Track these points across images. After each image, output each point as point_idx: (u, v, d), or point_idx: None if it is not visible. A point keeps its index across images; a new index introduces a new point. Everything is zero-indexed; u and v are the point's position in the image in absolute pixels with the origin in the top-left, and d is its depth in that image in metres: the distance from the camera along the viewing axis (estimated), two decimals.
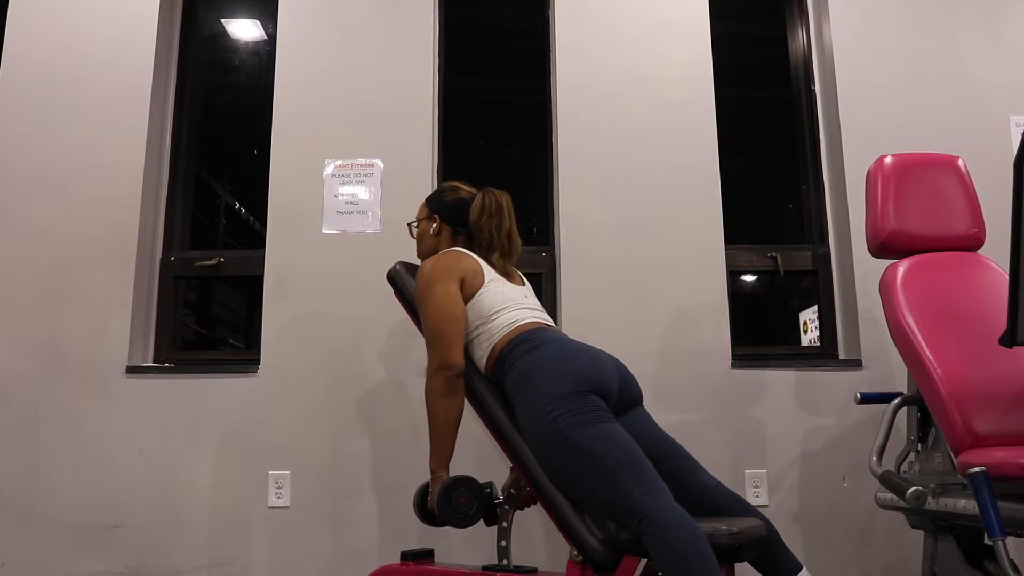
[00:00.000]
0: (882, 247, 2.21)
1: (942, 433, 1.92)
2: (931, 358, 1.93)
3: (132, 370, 2.66)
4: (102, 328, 2.67)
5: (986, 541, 1.68)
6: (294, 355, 2.67)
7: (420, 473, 2.58)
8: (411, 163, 2.82)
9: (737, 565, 1.76)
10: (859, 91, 2.92)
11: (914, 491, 1.79)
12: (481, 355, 1.91)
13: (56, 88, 2.84)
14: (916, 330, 1.98)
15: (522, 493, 2.02)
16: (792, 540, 2.35)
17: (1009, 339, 1.57)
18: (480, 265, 1.96)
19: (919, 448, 2.15)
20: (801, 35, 3.14)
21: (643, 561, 1.77)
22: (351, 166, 2.82)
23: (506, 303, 1.92)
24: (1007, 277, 1.92)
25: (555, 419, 1.69)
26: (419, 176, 2.81)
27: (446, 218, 2.10)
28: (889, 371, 2.71)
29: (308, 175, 2.81)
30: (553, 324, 2.02)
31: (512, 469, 2.07)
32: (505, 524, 2.03)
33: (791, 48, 3.17)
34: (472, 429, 2.45)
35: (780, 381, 2.71)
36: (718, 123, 2.88)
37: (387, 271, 2.13)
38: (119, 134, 2.81)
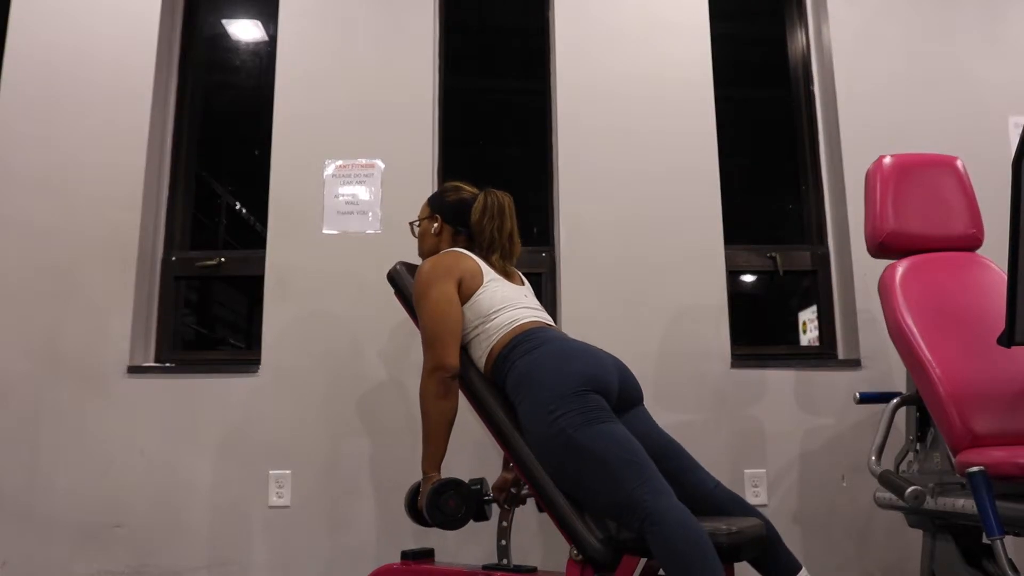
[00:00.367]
0: (881, 247, 2.21)
1: (941, 433, 1.93)
2: (930, 358, 1.93)
3: (133, 370, 2.66)
4: (102, 328, 2.67)
5: (985, 540, 1.68)
6: (294, 355, 2.68)
7: (420, 473, 2.58)
8: (411, 163, 2.83)
9: (737, 565, 1.76)
10: (859, 91, 2.92)
11: (913, 490, 1.79)
12: (480, 355, 1.92)
13: (57, 88, 2.84)
14: (915, 330, 1.99)
15: (520, 492, 2.02)
16: (792, 540, 2.36)
17: (1008, 339, 1.57)
18: (479, 265, 1.97)
19: (918, 448, 2.15)
20: (801, 35, 3.14)
21: (643, 560, 1.77)
22: (351, 166, 2.82)
23: (505, 303, 1.93)
24: (1006, 277, 1.92)
25: (558, 419, 1.69)
26: (419, 176, 2.81)
27: (447, 218, 2.11)
28: (888, 371, 2.71)
29: (308, 175, 2.81)
30: (553, 324, 2.02)
31: (504, 465, 2.08)
32: (505, 524, 2.03)
33: (791, 48, 3.18)
34: (471, 429, 2.46)
35: (780, 381, 2.71)
36: (718, 123, 2.89)
37: (387, 271, 2.13)
38: (119, 134, 2.81)
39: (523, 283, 2.09)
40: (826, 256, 2.92)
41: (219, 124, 3.13)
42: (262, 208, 2.81)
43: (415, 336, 2.58)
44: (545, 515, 1.79)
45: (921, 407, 2.14)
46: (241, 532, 2.57)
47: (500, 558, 2.03)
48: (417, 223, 2.19)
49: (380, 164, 2.83)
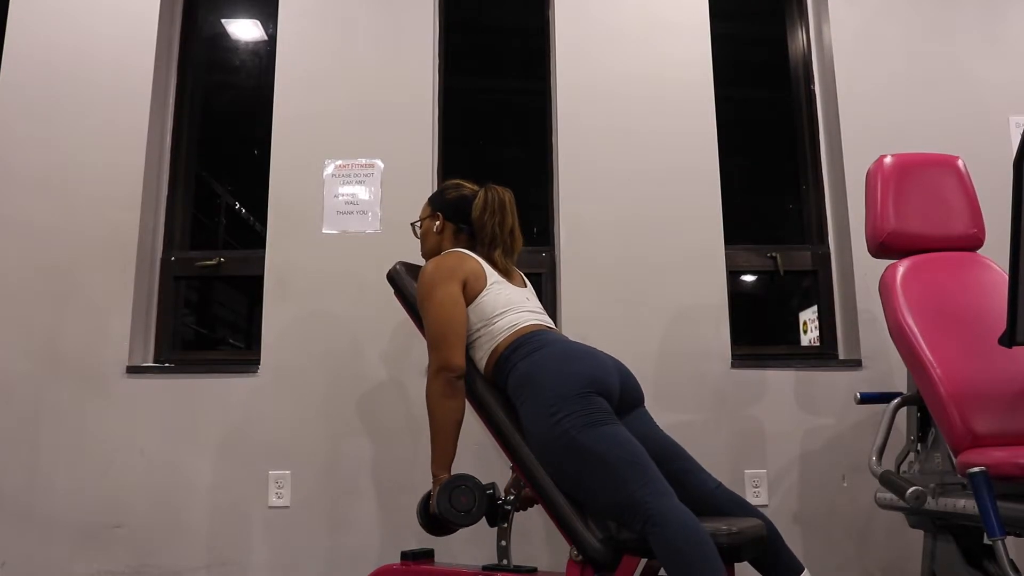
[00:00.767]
0: (882, 247, 2.21)
1: (942, 433, 1.92)
2: (931, 358, 1.93)
3: (132, 370, 2.66)
4: (102, 328, 2.67)
5: (986, 541, 1.67)
6: (294, 355, 2.68)
7: (420, 473, 2.58)
8: (411, 163, 2.82)
9: (738, 565, 1.76)
10: (859, 91, 2.92)
11: (914, 491, 1.79)
12: (482, 356, 1.92)
13: (56, 88, 2.84)
14: (916, 330, 1.98)
15: (522, 493, 2.02)
16: (792, 540, 2.35)
17: (1009, 339, 1.57)
18: (482, 267, 1.96)
19: (919, 448, 2.15)
20: (801, 35, 3.14)
21: (643, 561, 1.77)
22: (351, 166, 2.82)
23: (509, 306, 1.93)
24: (1007, 277, 1.92)
25: (560, 420, 1.69)
26: (419, 176, 2.81)
27: (449, 215, 2.10)
28: (889, 371, 2.71)
29: (308, 175, 2.81)
30: (554, 326, 2.02)
31: (513, 470, 2.07)
32: (505, 524, 2.03)
33: (791, 48, 3.17)
34: (472, 429, 2.45)
35: (780, 381, 2.71)
36: (718, 123, 2.88)
37: (387, 271, 2.13)
38: (119, 134, 2.81)
39: (525, 284, 2.09)
40: (826, 256, 2.92)
41: (219, 124, 3.13)
42: (262, 208, 2.81)
43: (415, 336, 2.58)
44: (546, 515, 1.79)
45: (922, 407, 2.14)
46: (241, 532, 2.57)
47: (500, 558, 2.03)
48: (419, 223, 2.18)
49: (380, 164, 2.82)
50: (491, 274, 1.97)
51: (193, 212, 3.00)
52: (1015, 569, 1.61)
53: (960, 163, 2.27)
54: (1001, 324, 1.65)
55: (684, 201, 2.81)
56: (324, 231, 2.77)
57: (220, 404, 2.65)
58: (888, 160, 2.26)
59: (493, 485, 1.92)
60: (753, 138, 3.15)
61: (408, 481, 2.59)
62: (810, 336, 2.99)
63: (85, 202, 2.76)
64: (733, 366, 2.71)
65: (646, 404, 1.97)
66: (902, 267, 2.13)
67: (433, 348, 1.87)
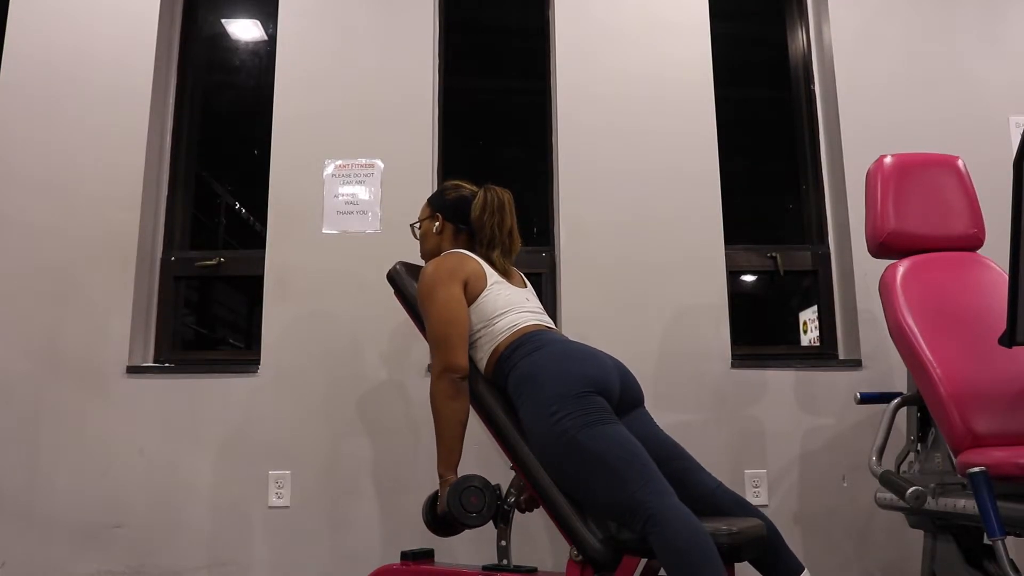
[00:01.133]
0: (882, 247, 2.21)
1: (942, 433, 1.92)
2: (931, 358, 1.93)
3: (132, 370, 2.66)
4: (102, 328, 2.67)
5: (986, 541, 1.68)
6: (294, 355, 2.68)
7: (420, 473, 2.59)
8: (411, 163, 2.82)
9: (738, 565, 1.76)
10: (859, 91, 2.92)
11: (914, 491, 1.79)
12: (482, 357, 1.92)
13: (56, 88, 2.84)
14: (916, 330, 1.98)
15: (522, 494, 2.02)
16: (792, 540, 2.36)
17: (1009, 339, 1.57)
18: (483, 268, 1.97)
19: (919, 448, 2.15)
20: (801, 35, 3.14)
21: (643, 561, 1.77)
22: (351, 166, 2.82)
23: (509, 306, 1.93)
24: (1007, 277, 1.92)
25: (560, 420, 1.69)
26: (419, 176, 2.81)
27: (448, 216, 2.11)
28: (889, 371, 2.71)
29: (308, 175, 2.81)
30: (554, 326, 2.02)
31: (513, 470, 2.07)
32: (505, 524, 2.03)
33: (791, 48, 3.17)
34: (472, 429, 2.44)
35: (780, 381, 2.71)
36: (718, 123, 2.89)
37: (387, 271, 2.13)
38: (119, 134, 2.81)
39: (525, 285, 2.09)
40: (826, 256, 2.92)
41: (219, 124, 3.13)
42: (262, 208, 2.81)
43: (415, 336, 2.58)
44: (546, 515, 1.79)
45: (922, 407, 2.14)
46: (241, 532, 2.57)
47: (500, 559, 2.03)
48: (418, 225, 2.19)
49: (380, 164, 2.82)
50: (491, 274, 1.97)
51: (193, 212, 3.00)
52: (1015, 569, 1.61)
53: (960, 163, 2.27)
54: (1001, 324, 1.65)
55: (684, 201, 2.81)
56: (324, 231, 2.77)
57: (220, 404, 2.65)
58: (888, 160, 2.26)
59: (497, 487, 1.93)
60: (753, 138, 3.15)
61: (408, 481, 2.59)
62: (810, 336, 2.99)
63: (85, 202, 2.76)
64: (733, 366, 2.71)
65: (646, 404, 1.97)
66: (902, 267, 2.13)
67: (436, 349, 1.87)
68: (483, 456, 2.57)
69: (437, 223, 2.11)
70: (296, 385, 2.66)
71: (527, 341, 1.85)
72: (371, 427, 2.64)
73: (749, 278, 3.04)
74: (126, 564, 2.54)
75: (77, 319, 2.68)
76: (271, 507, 2.59)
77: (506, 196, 2.06)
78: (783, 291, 3.11)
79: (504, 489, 1.97)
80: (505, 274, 2.01)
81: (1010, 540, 1.64)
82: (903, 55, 2.96)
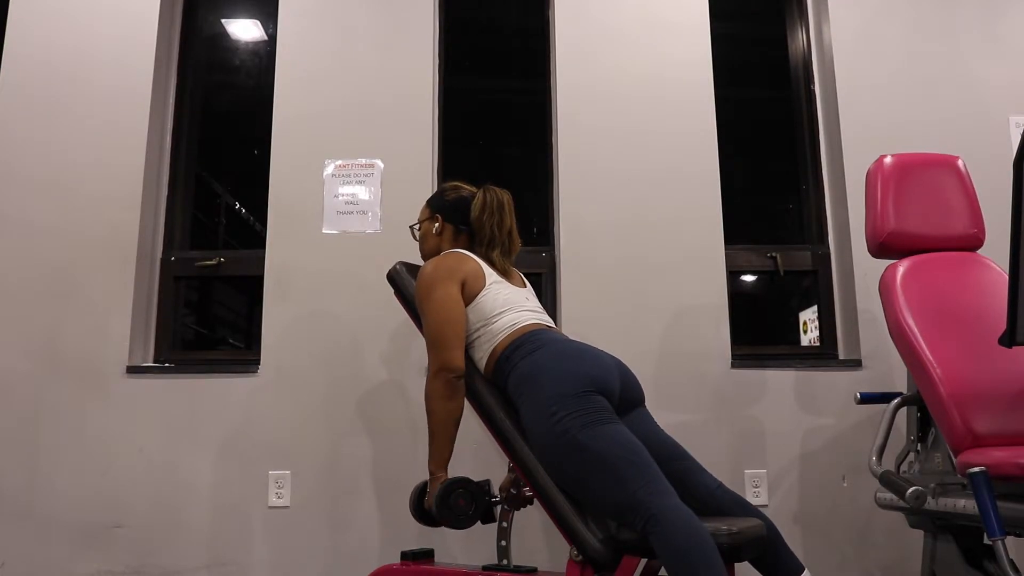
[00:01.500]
0: (882, 247, 2.21)
1: (942, 433, 1.92)
2: (931, 358, 1.93)
3: (132, 370, 2.66)
4: (102, 328, 2.67)
5: (986, 541, 1.68)
6: (294, 355, 2.68)
7: (420, 473, 2.58)
8: (411, 163, 2.82)
9: (738, 565, 1.76)
10: (859, 91, 2.92)
11: (914, 491, 1.79)
12: (482, 356, 1.92)
13: (56, 88, 2.84)
14: (916, 330, 1.98)
15: (521, 493, 2.02)
16: (792, 540, 2.36)
17: (1009, 339, 1.57)
18: (481, 267, 1.97)
19: (919, 448, 2.15)
20: (801, 35, 3.14)
21: (643, 561, 1.77)
22: (351, 166, 2.82)
23: (508, 305, 1.93)
24: (1007, 277, 1.92)
25: (560, 420, 1.69)
26: (419, 176, 2.81)
27: (447, 216, 2.11)
28: (889, 371, 2.71)
29: (308, 175, 2.81)
30: (554, 325, 2.02)
31: (511, 468, 2.07)
32: (505, 524, 2.03)
33: (791, 48, 3.17)
34: (471, 428, 2.46)
35: (780, 381, 2.71)
36: (718, 123, 2.89)
37: (387, 271, 2.13)
38: (119, 134, 2.81)
39: (524, 284, 2.09)
40: (826, 256, 2.92)
41: (219, 124, 3.13)
42: (262, 208, 2.81)
43: (415, 336, 2.58)
44: (545, 515, 1.79)
45: (922, 407, 2.14)
46: (241, 532, 2.57)
47: (500, 559, 2.03)
48: (417, 226, 2.19)
49: (380, 164, 2.82)
50: (490, 274, 1.97)
51: (193, 212, 3.00)
52: (1015, 569, 1.61)
53: (960, 163, 2.27)
54: (1001, 324, 1.65)
55: (684, 201, 2.81)
56: (324, 231, 2.77)
57: (220, 404, 2.65)
58: (888, 160, 2.26)
59: (487, 483, 1.92)
60: (753, 138, 3.15)
61: (408, 481, 2.59)
62: (810, 336, 2.99)
63: (85, 202, 2.76)
64: (733, 366, 2.71)
65: (646, 404, 1.96)
66: (902, 267, 2.13)
67: (432, 348, 1.87)
68: (482, 456, 2.57)
69: (437, 224, 2.11)
70: (296, 385, 2.66)
71: (527, 340, 1.85)
72: (371, 427, 2.64)
73: (749, 278, 3.04)
74: (126, 564, 2.54)
75: (77, 319, 2.68)
76: (271, 507, 2.59)
77: (505, 196, 2.06)
78: (783, 291, 3.11)
79: (494, 485, 1.97)
80: (505, 274, 2.01)
81: (1010, 540, 1.64)
82: (903, 55, 2.96)
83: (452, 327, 1.86)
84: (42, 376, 2.64)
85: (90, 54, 2.87)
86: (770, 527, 1.77)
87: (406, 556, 1.99)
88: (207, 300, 3.09)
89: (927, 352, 1.94)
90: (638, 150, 2.85)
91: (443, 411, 1.84)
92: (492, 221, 2.02)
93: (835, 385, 2.71)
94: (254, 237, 2.98)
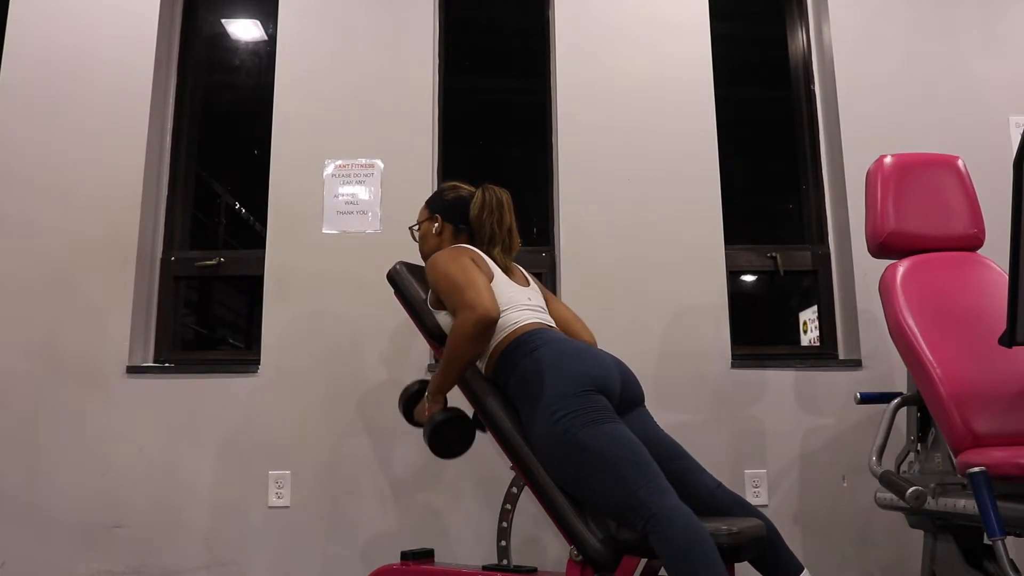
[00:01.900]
0: (882, 247, 2.21)
1: (942, 433, 1.92)
2: (931, 358, 1.93)
3: (132, 370, 2.66)
4: (102, 328, 2.67)
5: (986, 541, 1.68)
6: (294, 355, 2.68)
7: (420, 473, 2.59)
8: (411, 163, 2.82)
9: (738, 565, 1.76)
10: (859, 91, 2.92)
11: (914, 491, 1.79)
12: (482, 355, 1.91)
13: (56, 88, 2.84)
14: (916, 330, 1.98)
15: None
16: (792, 540, 2.36)
17: (1009, 339, 1.57)
18: (486, 261, 1.97)
19: (919, 448, 2.15)
20: (801, 35, 3.14)
21: (643, 561, 1.77)
22: (351, 166, 2.82)
23: (509, 304, 1.92)
24: (1007, 277, 1.92)
25: (561, 419, 1.69)
26: (419, 176, 2.81)
27: (447, 216, 2.11)
28: (889, 371, 2.71)
29: (308, 175, 2.81)
30: (555, 325, 2.02)
31: (512, 469, 2.07)
32: (505, 524, 2.03)
33: (791, 48, 3.17)
34: None
35: (780, 381, 2.71)
36: (718, 123, 2.89)
37: (387, 271, 2.13)
38: (119, 134, 2.81)
39: (528, 283, 2.09)
40: (826, 256, 2.92)
41: (219, 124, 3.13)
42: (262, 208, 2.81)
43: (415, 336, 2.58)
44: (546, 515, 1.79)
45: (922, 407, 2.14)
46: (241, 532, 2.57)
47: (500, 559, 2.03)
48: (417, 227, 2.19)
49: (380, 164, 2.82)
50: (493, 269, 1.97)
51: (193, 212, 3.00)
52: (1015, 569, 1.61)
53: (960, 163, 2.27)
54: (1001, 324, 1.65)
55: (684, 201, 2.81)
56: (324, 231, 2.77)
57: (220, 404, 2.65)
58: (888, 160, 2.26)
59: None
60: (753, 138, 3.15)
61: (408, 481, 2.59)
62: (810, 336, 2.99)
63: (85, 202, 2.76)
64: (733, 366, 2.71)
65: (646, 404, 1.96)
66: (902, 267, 2.13)
67: (463, 292, 1.81)
68: (482, 455, 2.57)
69: (436, 224, 2.12)
70: (296, 385, 2.66)
71: (527, 340, 1.85)
72: (371, 427, 2.64)
73: (749, 278, 3.04)
74: (126, 564, 2.54)
75: (77, 319, 2.68)
76: (271, 507, 2.59)
77: (504, 195, 2.07)
78: (783, 291, 3.11)
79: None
80: (506, 271, 2.01)
81: (1010, 540, 1.64)
82: (903, 55, 2.96)
83: (480, 278, 1.86)
84: (42, 376, 2.64)
85: (90, 54, 2.87)
86: (769, 527, 1.77)
87: (406, 556, 1.99)
88: (207, 300, 3.09)
89: (927, 352, 1.94)
90: (638, 150, 2.85)
91: (465, 352, 1.82)
92: (492, 219, 2.03)
93: (835, 385, 2.71)
94: (254, 237, 2.98)
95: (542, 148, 2.99)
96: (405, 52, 2.91)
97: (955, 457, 1.87)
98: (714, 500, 1.81)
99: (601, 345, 1.93)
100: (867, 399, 2.20)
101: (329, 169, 2.82)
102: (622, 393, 1.83)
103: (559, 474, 1.74)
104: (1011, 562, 1.61)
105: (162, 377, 2.68)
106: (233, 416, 2.64)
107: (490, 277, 1.93)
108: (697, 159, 2.84)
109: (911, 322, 2.00)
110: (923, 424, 2.15)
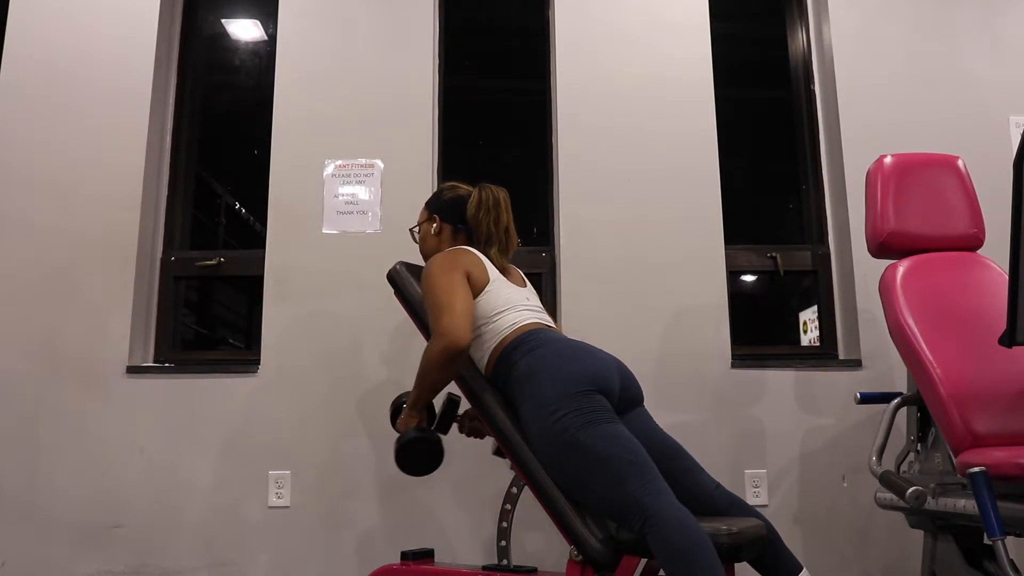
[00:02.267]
0: (882, 247, 2.21)
1: (942, 433, 1.92)
2: (931, 358, 1.93)
3: (132, 370, 2.66)
4: (102, 328, 2.67)
5: (986, 541, 1.68)
6: (294, 355, 2.67)
7: (419, 479, 2.58)
8: (411, 163, 2.82)
9: (737, 565, 1.76)
10: (859, 91, 2.92)
11: (914, 491, 1.79)
12: (482, 355, 1.92)
13: (56, 88, 2.84)
14: (916, 330, 1.98)
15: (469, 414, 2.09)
16: (792, 540, 2.35)
17: (1009, 339, 1.57)
18: (484, 264, 1.97)
19: (919, 448, 2.15)
20: (801, 35, 3.14)
21: (643, 561, 1.77)
22: (351, 166, 2.82)
23: (508, 304, 1.93)
24: (1007, 277, 1.92)
25: (560, 419, 1.69)
26: (419, 176, 2.81)
27: (445, 216, 2.11)
28: (889, 371, 2.71)
29: (308, 175, 2.81)
30: (554, 325, 2.02)
31: (512, 469, 2.07)
32: (505, 524, 2.03)
33: (791, 48, 3.17)
34: None
35: (780, 381, 2.71)
36: (718, 123, 2.89)
37: (387, 271, 2.13)
38: (119, 134, 2.81)
39: (525, 284, 2.09)
40: (826, 256, 2.92)
41: (219, 124, 3.13)
42: (262, 208, 2.81)
43: (415, 336, 2.58)
44: (546, 515, 1.79)
45: (922, 407, 2.14)
46: (241, 532, 2.57)
47: (500, 559, 2.03)
48: (417, 228, 2.19)
49: (380, 164, 2.82)
50: (492, 271, 1.97)
51: (193, 212, 3.00)
52: (1015, 569, 1.61)
53: (960, 163, 2.27)
54: (1001, 324, 1.65)
55: (684, 201, 2.81)
56: (324, 231, 2.77)
57: (220, 404, 2.65)
58: (888, 160, 2.26)
59: (458, 399, 2.01)
60: (753, 138, 3.15)
61: (408, 481, 2.59)
62: (810, 336, 2.99)
63: (85, 202, 2.76)
64: (733, 366, 2.71)
65: (646, 404, 1.96)
66: (902, 267, 2.13)
67: (438, 315, 1.83)
68: (482, 455, 2.56)
69: (435, 225, 2.12)
70: (296, 385, 2.66)
71: (527, 340, 1.85)
72: (371, 427, 2.64)
73: (749, 278, 3.04)
74: (126, 564, 2.54)
75: (77, 319, 2.68)
76: (271, 507, 2.59)
77: (501, 194, 2.06)
78: (783, 291, 3.11)
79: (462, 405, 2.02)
80: (503, 271, 2.01)
81: (1010, 540, 1.64)
82: (903, 55, 2.96)
83: (461, 301, 1.84)
84: (42, 376, 2.64)
85: (90, 54, 2.87)
86: (768, 527, 1.77)
87: (406, 556, 1.99)
88: (207, 300, 3.09)
89: (927, 352, 1.94)
90: (638, 150, 2.85)
91: (433, 380, 1.86)
92: (489, 218, 2.03)
93: (835, 385, 2.71)
94: (254, 237, 2.98)
95: (542, 148, 2.99)
96: (405, 52, 2.91)
97: (955, 457, 1.87)
98: (712, 500, 1.81)
99: (601, 345, 1.93)
100: (867, 399, 2.20)
101: (329, 169, 2.82)
102: (621, 393, 1.83)
103: (558, 474, 1.74)
104: (1011, 562, 1.61)
105: (162, 377, 2.68)
106: (233, 416, 2.64)
107: (486, 280, 1.93)
108: (697, 159, 2.84)
109: (911, 322, 2.00)
110: (923, 424, 2.15)
